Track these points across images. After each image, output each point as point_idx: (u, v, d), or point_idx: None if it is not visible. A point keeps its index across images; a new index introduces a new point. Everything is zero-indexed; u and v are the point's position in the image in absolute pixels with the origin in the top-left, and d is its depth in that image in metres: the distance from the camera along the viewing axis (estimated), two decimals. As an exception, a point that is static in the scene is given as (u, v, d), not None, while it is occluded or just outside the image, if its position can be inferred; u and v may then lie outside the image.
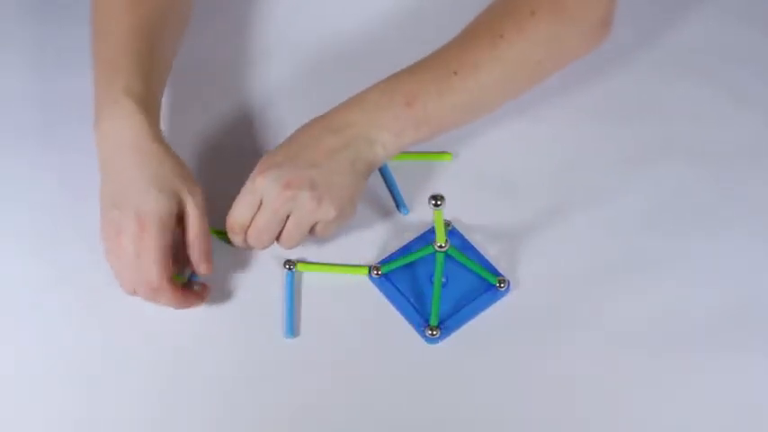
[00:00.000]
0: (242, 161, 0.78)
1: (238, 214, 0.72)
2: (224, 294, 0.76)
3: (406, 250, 0.77)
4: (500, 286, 0.74)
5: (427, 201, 0.66)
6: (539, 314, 0.74)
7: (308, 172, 0.71)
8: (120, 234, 0.68)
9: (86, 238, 0.79)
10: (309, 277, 0.77)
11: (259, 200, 0.72)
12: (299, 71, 0.89)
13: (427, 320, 0.73)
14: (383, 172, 0.82)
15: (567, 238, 0.77)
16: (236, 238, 0.74)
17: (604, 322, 0.73)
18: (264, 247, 0.74)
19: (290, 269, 0.76)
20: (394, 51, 0.90)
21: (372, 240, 0.78)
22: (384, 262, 0.76)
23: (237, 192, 0.73)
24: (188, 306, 0.72)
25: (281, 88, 0.88)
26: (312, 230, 0.74)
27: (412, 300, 0.75)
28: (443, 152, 0.82)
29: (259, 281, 0.76)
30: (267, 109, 0.87)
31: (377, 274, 0.75)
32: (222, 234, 0.75)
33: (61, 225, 0.80)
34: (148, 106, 0.72)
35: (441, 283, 0.73)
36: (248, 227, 0.73)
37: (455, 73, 0.74)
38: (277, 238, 0.74)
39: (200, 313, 0.75)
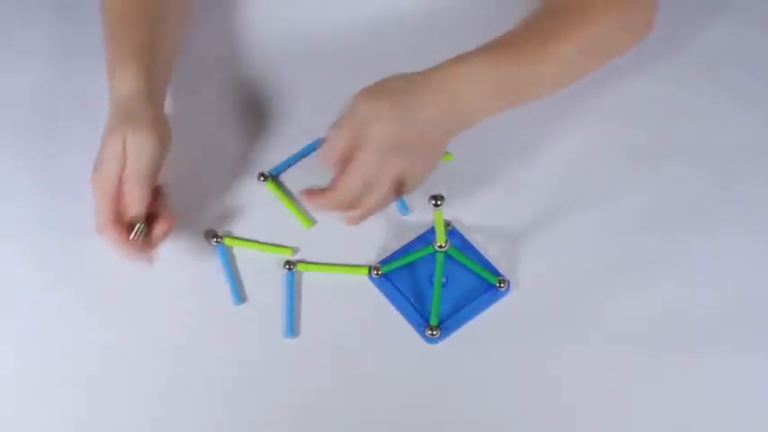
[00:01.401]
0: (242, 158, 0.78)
1: (346, 191, 0.70)
2: (224, 294, 0.76)
3: (406, 250, 0.77)
4: (500, 286, 0.74)
5: (427, 201, 0.66)
6: (539, 314, 0.74)
7: (419, 161, 0.71)
8: (106, 160, 0.73)
9: (86, 238, 0.79)
10: (309, 277, 0.77)
11: (369, 180, 0.70)
12: (300, 69, 0.90)
13: (427, 320, 0.73)
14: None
15: (567, 238, 0.77)
16: (326, 208, 0.72)
17: (604, 322, 0.73)
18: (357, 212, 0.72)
19: (290, 269, 0.76)
20: (397, 49, 0.91)
21: (372, 240, 0.78)
22: (384, 262, 0.76)
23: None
24: (129, 253, 0.72)
25: (284, 85, 0.88)
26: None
27: (412, 300, 0.75)
28: (443, 152, 0.82)
29: (259, 281, 0.76)
30: (268, 105, 0.87)
31: (377, 274, 0.75)
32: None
33: (61, 225, 0.80)
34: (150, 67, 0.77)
35: (441, 283, 0.73)
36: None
37: (542, 55, 0.75)
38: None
39: (200, 313, 0.75)
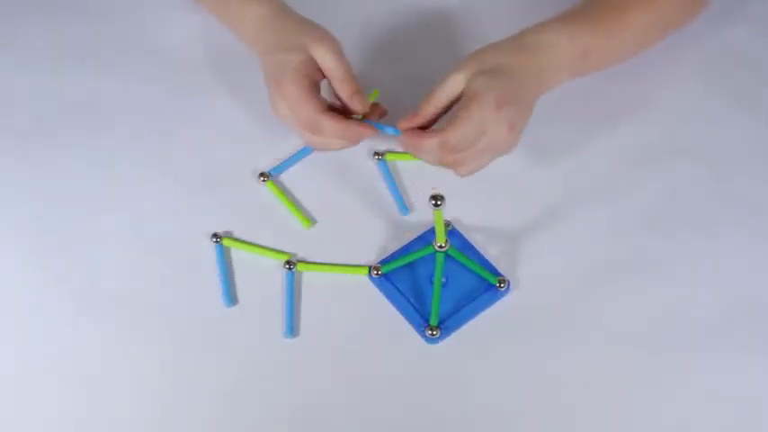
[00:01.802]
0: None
1: (459, 137, 0.71)
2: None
3: (406, 250, 0.77)
4: (500, 286, 0.74)
5: (427, 201, 0.66)
6: (539, 314, 0.74)
7: (524, 118, 0.74)
8: (273, 102, 0.76)
9: (87, 239, 0.79)
10: (309, 277, 0.77)
11: (484, 131, 0.72)
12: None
13: (427, 320, 0.73)
14: (383, 172, 0.82)
15: (567, 238, 0.77)
16: (432, 153, 0.73)
17: (604, 322, 0.73)
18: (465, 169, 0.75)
19: (290, 269, 0.76)
20: (397, 49, 0.91)
21: (372, 240, 0.78)
22: (384, 262, 0.76)
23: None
24: (357, 135, 0.75)
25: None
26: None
27: (412, 300, 0.75)
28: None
29: (259, 281, 0.76)
30: (268, 105, 0.87)
31: (377, 274, 0.75)
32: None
33: (61, 225, 0.80)
34: None
35: (441, 283, 0.73)
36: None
37: (618, 26, 0.79)
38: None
39: (200, 313, 0.75)
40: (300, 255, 0.78)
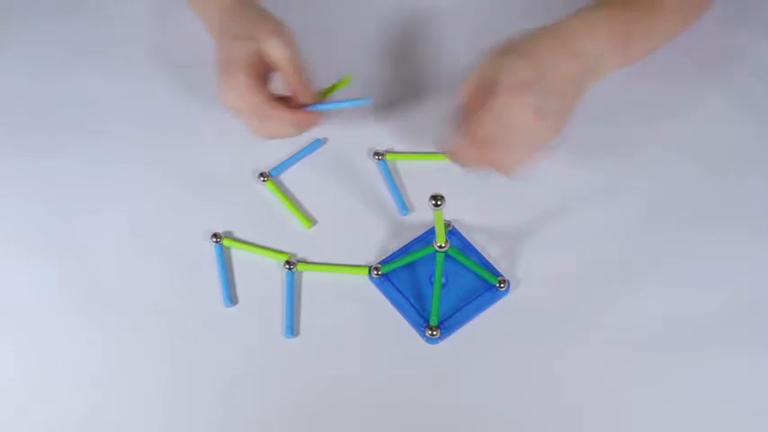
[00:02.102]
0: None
1: (484, 132, 0.71)
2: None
3: (405, 250, 0.77)
4: (500, 286, 0.74)
5: (427, 201, 0.66)
6: (539, 314, 0.74)
7: (554, 101, 0.71)
8: (221, 90, 0.76)
9: (87, 238, 0.79)
10: (309, 277, 0.77)
11: (506, 121, 0.70)
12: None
13: (427, 320, 0.73)
14: (383, 172, 0.82)
15: (567, 238, 0.77)
16: (468, 155, 0.73)
17: (604, 322, 0.73)
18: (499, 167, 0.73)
19: (290, 269, 0.76)
20: (398, 49, 0.91)
21: (372, 240, 0.78)
22: (384, 262, 0.76)
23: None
24: (308, 122, 0.78)
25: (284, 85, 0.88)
26: None
27: (412, 300, 0.75)
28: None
29: (259, 281, 0.76)
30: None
31: (377, 274, 0.75)
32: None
33: (61, 225, 0.80)
34: None
35: (441, 283, 0.73)
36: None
37: (653, 12, 0.79)
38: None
39: (201, 313, 0.75)
40: (300, 255, 0.78)
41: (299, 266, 0.77)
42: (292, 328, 0.74)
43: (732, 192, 0.79)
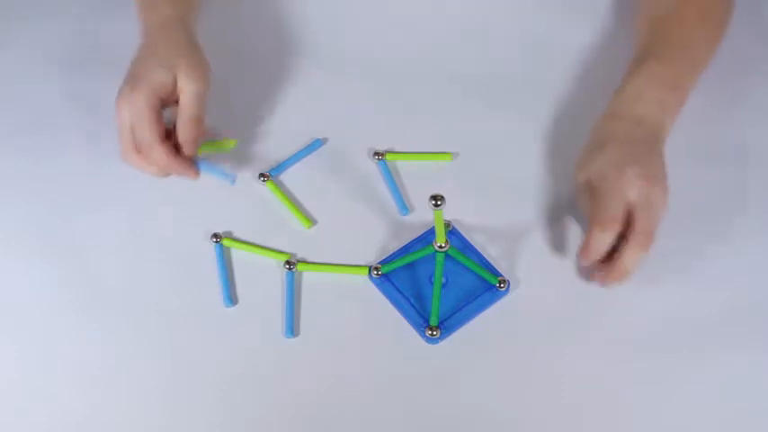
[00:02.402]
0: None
1: (614, 210, 0.71)
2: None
3: (405, 250, 0.77)
4: (500, 286, 0.74)
5: (427, 201, 0.66)
6: (539, 314, 0.74)
7: (653, 169, 0.73)
8: (119, 99, 0.76)
9: (87, 238, 0.79)
10: (309, 277, 0.77)
11: (627, 202, 0.71)
12: (301, 69, 0.90)
13: (427, 320, 0.73)
14: (383, 172, 0.82)
15: (567, 238, 0.77)
16: (604, 239, 0.71)
17: (604, 322, 0.73)
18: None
19: (290, 269, 0.76)
20: (398, 49, 0.91)
21: (372, 240, 0.78)
22: (384, 262, 0.76)
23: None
24: (174, 171, 0.77)
25: (284, 85, 0.89)
26: None
27: (412, 300, 0.75)
28: (443, 152, 0.83)
29: (259, 281, 0.76)
30: (268, 105, 0.87)
31: (377, 274, 0.75)
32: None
33: (61, 225, 0.80)
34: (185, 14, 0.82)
35: (441, 283, 0.73)
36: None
37: (683, 57, 0.80)
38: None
39: (200, 313, 0.75)
40: (300, 255, 0.78)
41: (299, 266, 0.77)
42: (292, 328, 0.74)
43: (732, 192, 0.79)
